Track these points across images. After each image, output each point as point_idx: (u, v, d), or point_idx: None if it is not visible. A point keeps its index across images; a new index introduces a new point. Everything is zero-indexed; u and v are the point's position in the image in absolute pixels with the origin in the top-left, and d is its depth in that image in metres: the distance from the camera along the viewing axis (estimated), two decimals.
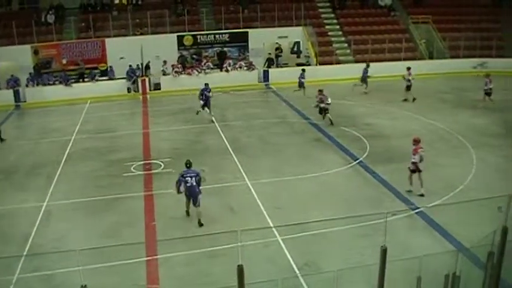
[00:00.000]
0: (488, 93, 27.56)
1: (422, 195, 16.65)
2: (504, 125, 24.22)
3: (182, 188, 15.19)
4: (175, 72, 34.04)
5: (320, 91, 25.39)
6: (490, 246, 9.37)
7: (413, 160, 16.76)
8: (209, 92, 26.27)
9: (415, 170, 16.80)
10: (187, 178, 15.12)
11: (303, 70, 31.81)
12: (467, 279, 9.84)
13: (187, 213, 15.67)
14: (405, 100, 29.11)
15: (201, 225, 15.00)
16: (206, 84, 26.66)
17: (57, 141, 23.71)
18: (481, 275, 9.73)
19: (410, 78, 28.95)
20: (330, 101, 25.01)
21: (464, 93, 30.76)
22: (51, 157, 21.54)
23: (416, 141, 16.97)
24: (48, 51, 33.95)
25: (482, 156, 19.96)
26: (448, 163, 19.48)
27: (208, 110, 26.34)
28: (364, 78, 31.59)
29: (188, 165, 15.40)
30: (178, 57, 35.73)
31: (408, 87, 29.08)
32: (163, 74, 34.10)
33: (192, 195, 15.16)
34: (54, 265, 12.57)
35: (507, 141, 21.90)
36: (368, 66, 31.99)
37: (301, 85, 31.03)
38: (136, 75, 33.33)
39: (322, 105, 25.02)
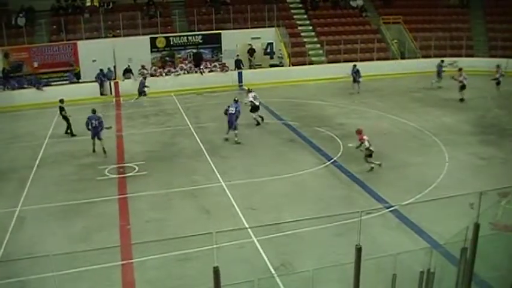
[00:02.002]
0: (498, 82, 28.99)
1: (380, 164, 18.83)
2: (473, 123, 24.61)
3: (90, 127, 21.60)
4: (141, 74, 33.84)
5: (248, 90, 26.02)
6: (463, 242, 9.46)
7: (366, 146, 18.35)
8: (234, 109, 22.93)
9: (371, 153, 18.58)
10: (92, 121, 21.57)
11: (355, 65, 32.06)
12: (442, 275, 9.95)
13: (94, 150, 21.76)
14: (461, 100, 28.86)
15: (105, 152, 21.47)
16: (235, 101, 23.40)
17: (29, 146, 23.39)
18: (455, 270, 9.83)
19: (461, 79, 28.82)
20: (246, 100, 25.22)
21: (434, 92, 31.12)
22: (23, 162, 21.25)
23: (358, 132, 18.76)
24: (19, 55, 33.51)
25: (453, 154, 20.23)
26: (420, 161, 19.71)
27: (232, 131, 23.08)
28: (439, 73, 32.14)
29: (93, 112, 21.96)
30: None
31: (462, 87, 28.85)
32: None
33: (95, 133, 21.67)
34: (27, 271, 12.36)
35: (476, 139, 22.26)
36: (443, 61, 32.78)
37: (355, 80, 31.50)
38: (105, 78, 33.11)
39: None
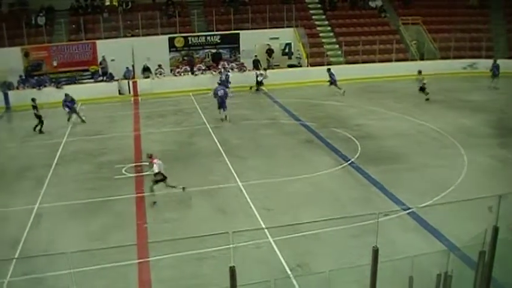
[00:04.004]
0: None
1: (183, 188, 17.15)
2: (491, 125, 24.36)
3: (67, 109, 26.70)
4: (160, 73, 34.09)
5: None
6: (481, 245, 9.38)
7: (155, 171, 16.74)
8: (222, 91, 26.46)
9: (163, 178, 16.84)
10: (66, 103, 26.70)
11: (329, 69, 32.48)
12: (459, 279, 9.86)
13: (68, 119, 26.68)
14: (427, 99, 29.26)
15: (83, 121, 26.85)
16: (219, 84, 27.54)
17: (47, 144, 23.61)
18: (472, 274, 9.74)
19: (425, 81, 29.36)
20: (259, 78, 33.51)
21: (453, 93, 30.88)
22: (42, 160, 21.44)
23: (149, 157, 17.27)
24: (38, 54, 33.81)
25: (472, 156, 20.02)
26: (439, 163, 19.54)
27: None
28: (496, 75, 32.26)
29: (66, 95, 26.91)
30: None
31: (422, 89, 29.43)
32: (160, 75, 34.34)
33: (73, 111, 26.76)
34: (45, 268, 12.49)
35: (495, 141, 22.00)
36: (495, 61, 32.86)
37: (333, 83, 31.88)
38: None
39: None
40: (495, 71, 32.03)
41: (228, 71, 33.67)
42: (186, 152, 21.99)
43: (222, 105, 26.19)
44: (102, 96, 32.23)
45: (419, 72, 29.76)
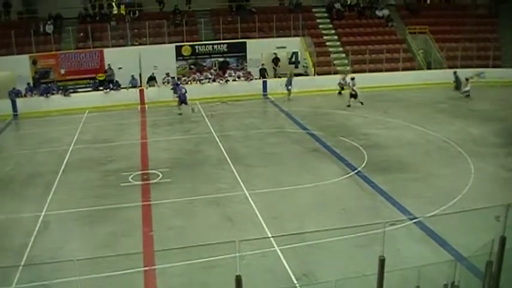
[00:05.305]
0: None
1: None
2: (500, 135, 24.27)
3: None
4: (168, 82, 34.19)
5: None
6: (488, 255, 9.35)
7: None
8: (184, 89, 30.31)
9: None
10: None
11: (290, 76, 33.98)
12: None
13: None
14: (349, 106, 30.18)
15: None
16: (177, 84, 31.38)
17: (55, 151, 23.66)
18: (479, 284, 9.71)
19: (355, 88, 30.45)
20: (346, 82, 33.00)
21: (460, 102, 30.81)
22: (49, 167, 21.49)
23: None
24: (46, 61, 33.99)
25: (479, 165, 19.95)
26: (446, 173, 19.48)
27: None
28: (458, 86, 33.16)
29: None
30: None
31: (353, 95, 30.27)
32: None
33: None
34: (51, 275, 12.48)
35: (503, 151, 21.90)
36: (455, 72, 33.93)
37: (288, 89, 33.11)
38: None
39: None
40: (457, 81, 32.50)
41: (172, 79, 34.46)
42: (193, 160, 22.00)
43: (183, 101, 29.83)
44: (109, 104, 32.34)
45: (352, 79, 30.43)
